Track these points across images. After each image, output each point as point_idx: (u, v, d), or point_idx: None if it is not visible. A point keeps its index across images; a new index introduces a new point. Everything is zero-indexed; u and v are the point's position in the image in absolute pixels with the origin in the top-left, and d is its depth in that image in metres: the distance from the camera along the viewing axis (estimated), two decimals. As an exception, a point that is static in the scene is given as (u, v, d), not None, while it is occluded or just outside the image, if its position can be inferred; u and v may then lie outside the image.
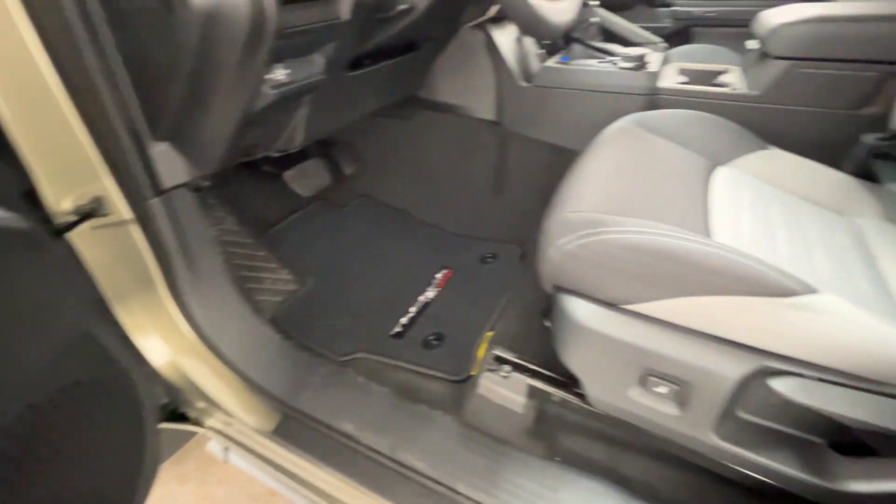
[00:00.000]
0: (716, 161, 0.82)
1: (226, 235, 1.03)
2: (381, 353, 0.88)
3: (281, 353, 0.85)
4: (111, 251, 0.69)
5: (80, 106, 0.55)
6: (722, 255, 0.49)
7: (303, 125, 0.76)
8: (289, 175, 1.12)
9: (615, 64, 0.99)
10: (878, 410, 0.46)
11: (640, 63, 0.97)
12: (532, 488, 0.63)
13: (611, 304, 0.56)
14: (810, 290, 0.48)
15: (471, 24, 1.03)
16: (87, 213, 0.64)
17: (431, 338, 0.91)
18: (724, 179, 0.78)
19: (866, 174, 0.77)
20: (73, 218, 0.61)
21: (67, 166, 0.60)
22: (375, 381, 0.83)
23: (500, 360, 0.73)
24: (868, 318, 0.47)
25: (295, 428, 0.79)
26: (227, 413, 0.83)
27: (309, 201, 1.31)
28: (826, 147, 0.83)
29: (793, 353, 0.48)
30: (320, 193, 1.27)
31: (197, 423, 0.89)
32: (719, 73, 1.04)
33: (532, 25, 0.60)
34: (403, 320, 0.97)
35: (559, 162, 1.00)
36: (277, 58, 0.59)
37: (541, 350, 0.72)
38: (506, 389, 0.71)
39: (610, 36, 1.18)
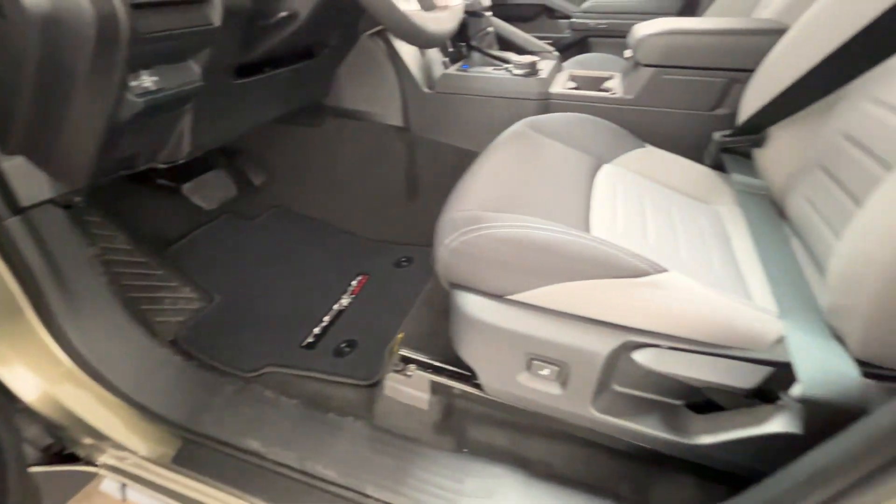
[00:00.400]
0: (601, 159, 0.90)
1: (115, 255, 0.95)
2: (291, 365, 0.86)
3: (179, 375, 0.81)
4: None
5: None
6: (583, 244, 0.54)
7: (188, 134, 0.73)
8: (188, 188, 1.06)
9: (509, 71, 1.05)
10: (717, 370, 0.52)
11: (532, 70, 1.03)
12: (439, 482, 0.65)
13: (496, 296, 0.59)
14: (660, 270, 0.54)
15: (370, 32, 1.05)
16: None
17: (343, 345, 0.91)
18: (607, 176, 0.85)
19: (720, 166, 0.87)
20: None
21: None
22: (285, 394, 0.81)
23: (406, 360, 0.74)
24: (707, 292, 0.54)
25: (197, 453, 0.75)
26: (119, 446, 0.76)
27: (216, 215, 1.25)
28: (691, 144, 0.94)
29: (649, 326, 0.54)
30: (227, 206, 1.22)
31: (88, 461, 0.81)
32: (605, 79, 1.13)
33: (406, 34, 0.62)
34: (316, 330, 0.95)
35: (466, 164, 1.04)
36: (143, 64, 0.56)
37: (449, 347, 0.74)
38: (411, 388, 0.72)
39: (507, 45, 1.25)
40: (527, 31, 1.35)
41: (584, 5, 1.87)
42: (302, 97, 1.02)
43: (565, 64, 1.35)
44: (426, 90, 1.09)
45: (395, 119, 1.13)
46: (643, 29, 0.98)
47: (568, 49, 1.87)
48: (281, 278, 1.11)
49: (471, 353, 0.63)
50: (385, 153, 1.19)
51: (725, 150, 0.86)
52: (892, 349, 0.44)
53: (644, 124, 0.99)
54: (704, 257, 0.69)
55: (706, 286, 0.54)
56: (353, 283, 1.08)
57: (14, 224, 0.62)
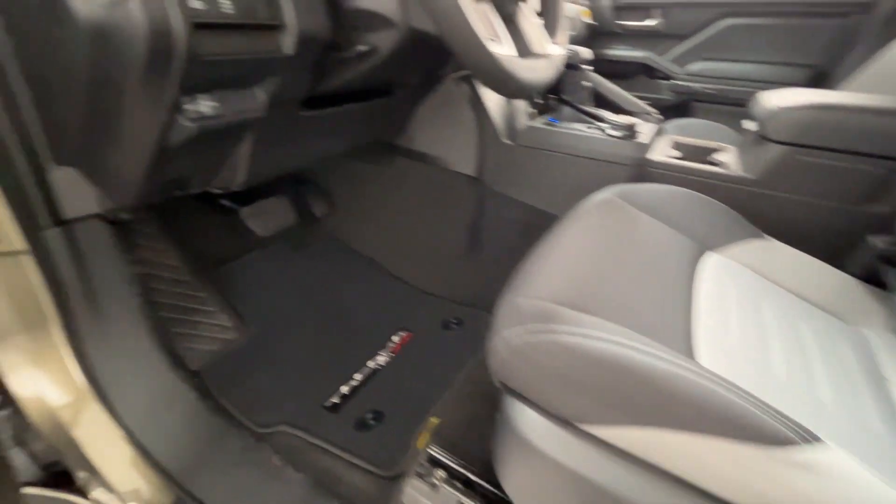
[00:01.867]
0: (705, 246, 0.74)
1: (162, 270, 0.93)
2: (307, 429, 0.76)
3: (192, 418, 0.73)
4: (-6, 283, 0.59)
5: None
6: (699, 385, 0.39)
7: (245, 163, 0.68)
8: (246, 212, 1.04)
9: (603, 130, 0.93)
10: None
11: (630, 132, 0.91)
12: None
13: (560, 420, 0.45)
14: (810, 440, 0.37)
15: (457, 74, 0.99)
16: (-31, 238, 0.56)
17: (369, 416, 0.79)
18: (713, 269, 0.69)
19: (873, 278, 0.68)
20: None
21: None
22: (293, 463, 0.70)
23: (434, 462, 0.61)
24: (874, 481, 0.36)
25: (184, 516, 0.65)
26: (109, 487, 0.69)
27: (270, 240, 1.23)
28: (827, 243, 0.75)
29: (783, 520, 0.37)
30: (283, 233, 1.19)
31: (82, 491, 0.75)
32: (714, 150, 0.97)
33: (494, 81, 0.53)
34: (344, 389, 0.85)
35: (541, 226, 0.92)
36: (202, 87, 0.51)
37: (489, 450, 0.60)
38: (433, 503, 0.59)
39: (603, 102, 1.14)
40: (622, 90, 1.24)
41: (692, 67, 1.72)
42: (371, 135, 0.97)
43: (666, 127, 1.21)
44: (507, 141, 1.00)
45: (468, 168, 1.05)
46: (774, 99, 0.83)
47: (667, 112, 1.72)
48: (322, 317, 1.04)
49: (514, 482, 0.48)
50: (451, 202, 1.10)
51: (885, 259, 0.66)
52: None
53: (765, 211, 0.81)
54: (854, 406, 0.50)
55: (867, 465, 0.37)
56: (395, 338, 0.98)
57: (53, 235, 0.59)
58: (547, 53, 0.64)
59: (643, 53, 1.75)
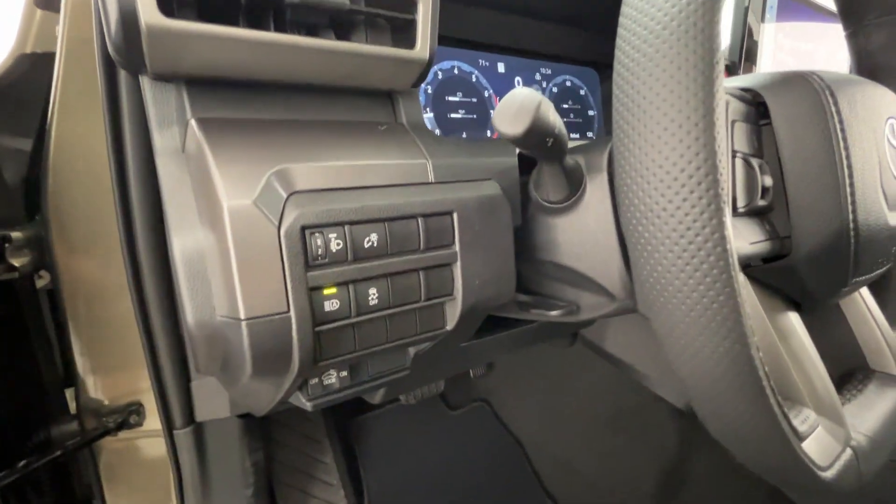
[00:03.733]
0: None
1: (305, 427, 0.87)
2: None
3: None
4: (129, 461, 0.59)
5: (146, 331, 0.47)
6: None
7: (384, 388, 0.56)
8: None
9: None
10: None
11: None
12: None
13: None
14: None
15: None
16: (120, 423, 0.57)
17: None
18: None
19: None
20: (106, 426, 0.55)
21: (113, 375, 0.54)
22: None
23: None
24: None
25: None
26: None
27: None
28: None
29: None
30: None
31: None
32: None
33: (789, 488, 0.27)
34: None
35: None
36: (334, 364, 0.40)
37: None
38: None
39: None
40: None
41: None
42: (548, 336, 0.77)
43: None
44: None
45: (675, 396, 0.75)
46: None
47: None
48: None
49: None
50: (643, 425, 0.80)
51: None
52: None
53: None
54: None
55: None
56: None
57: (182, 435, 0.56)
58: (897, 372, 0.35)
59: None
